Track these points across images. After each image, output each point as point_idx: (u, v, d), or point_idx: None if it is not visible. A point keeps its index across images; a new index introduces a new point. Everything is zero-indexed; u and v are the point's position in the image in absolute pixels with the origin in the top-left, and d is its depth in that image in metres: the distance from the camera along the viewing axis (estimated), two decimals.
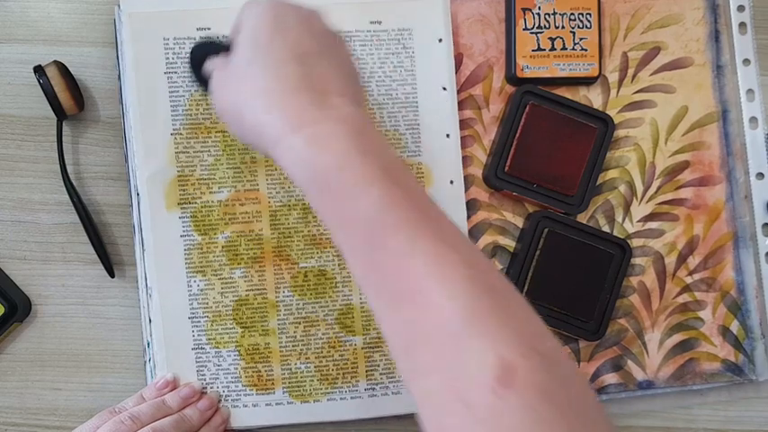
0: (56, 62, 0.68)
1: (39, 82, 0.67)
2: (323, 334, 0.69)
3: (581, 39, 0.72)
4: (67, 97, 0.67)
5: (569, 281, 0.70)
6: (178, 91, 0.67)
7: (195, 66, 0.63)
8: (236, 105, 0.54)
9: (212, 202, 0.68)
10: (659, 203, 0.73)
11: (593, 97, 0.73)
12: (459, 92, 0.71)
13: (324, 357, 0.69)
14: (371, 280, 0.48)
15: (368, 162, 0.48)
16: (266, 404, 0.68)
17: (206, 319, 0.68)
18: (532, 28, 0.71)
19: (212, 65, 0.59)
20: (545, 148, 0.70)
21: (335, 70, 0.54)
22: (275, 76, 0.52)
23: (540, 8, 0.71)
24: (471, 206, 0.71)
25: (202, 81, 0.61)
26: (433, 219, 0.48)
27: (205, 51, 0.61)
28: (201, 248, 0.68)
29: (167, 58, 0.67)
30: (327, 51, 0.54)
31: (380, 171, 0.48)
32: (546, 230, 0.70)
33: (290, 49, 0.53)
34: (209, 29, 0.68)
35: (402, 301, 0.46)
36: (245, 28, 0.55)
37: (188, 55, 0.66)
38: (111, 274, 0.70)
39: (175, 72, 0.67)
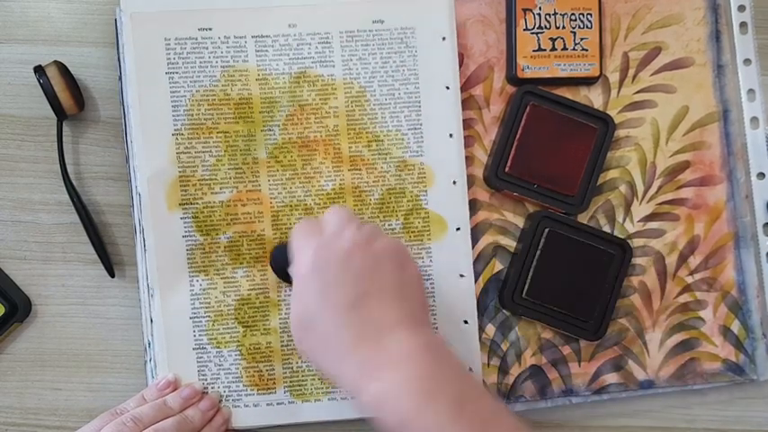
0: (56, 62, 0.68)
1: (39, 82, 0.67)
2: None
3: (582, 39, 0.72)
4: (67, 97, 0.67)
5: (570, 281, 0.70)
6: (179, 91, 0.67)
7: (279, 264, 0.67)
8: (311, 352, 0.58)
9: (214, 202, 0.68)
10: (660, 203, 0.73)
11: (593, 97, 0.73)
12: (460, 92, 0.71)
13: None
14: None
15: (438, 409, 0.52)
16: (267, 404, 0.68)
17: (207, 318, 0.68)
18: (533, 28, 0.71)
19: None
20: (546, 148, 0.70)
21: (392, 297, 0.57)
22: (336, 330, 0.56)
23: (540, 8, 0.71)
24: (472, 206, 0.71)
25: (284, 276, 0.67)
26: None
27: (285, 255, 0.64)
28: (204, 249, 0.68)
29: (168, 59, 0.67)
30: (386, 281, 0.57)
31: (453, 411, 0.52)
32: (546, 230, 0.70)
33: (342, 298, 0.56)
34: (210, 29, 0.68)
35: None
36: (296, 275, 0.59)
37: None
38: (112, 274, 0.70)
39: (176, 72, 0.67)
